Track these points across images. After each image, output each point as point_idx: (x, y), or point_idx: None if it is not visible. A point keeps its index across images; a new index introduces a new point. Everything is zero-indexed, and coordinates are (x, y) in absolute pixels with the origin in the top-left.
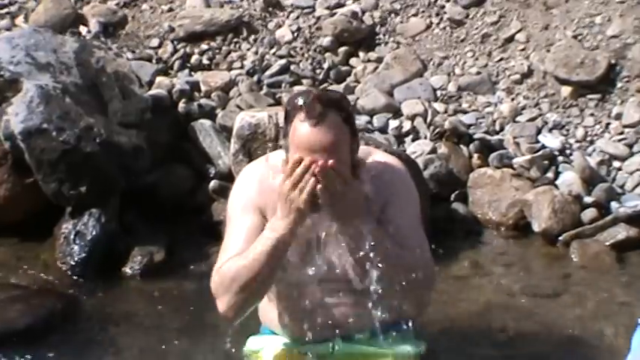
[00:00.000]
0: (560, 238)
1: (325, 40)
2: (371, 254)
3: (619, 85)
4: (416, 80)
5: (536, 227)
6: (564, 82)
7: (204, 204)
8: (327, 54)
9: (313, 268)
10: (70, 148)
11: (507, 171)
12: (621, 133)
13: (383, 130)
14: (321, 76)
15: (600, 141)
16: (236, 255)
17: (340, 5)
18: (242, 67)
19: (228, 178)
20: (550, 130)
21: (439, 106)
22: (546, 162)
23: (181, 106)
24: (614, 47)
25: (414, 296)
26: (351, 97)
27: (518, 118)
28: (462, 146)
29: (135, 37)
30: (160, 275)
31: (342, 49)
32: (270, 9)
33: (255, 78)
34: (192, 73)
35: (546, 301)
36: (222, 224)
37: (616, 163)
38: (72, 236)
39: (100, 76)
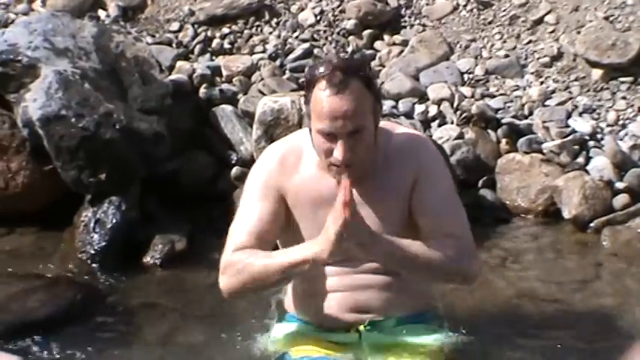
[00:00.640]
0: (591, 224)
1: (349, 23)
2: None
3: None
4: (442, 64)
5: (566, 214)
6: (595, 64)
7: (226, 191)
8: (351, 37)
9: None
10: (90, 135)
11: (536, 156)
12: None
13: (409, 115)
14: None
15: (632, 125)
16: (244, 246)
17: None
18: (264, 52)
19: (250, 164)
20: (580, 114)
21: (466, 91)
22: (577, 147)
23: (202, 91)
24: None
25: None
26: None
27: (547, 102)
28: (489, 131)
29: (154, 21)
30: (182, 264)
31: (366, 32)
32: None
33: (278, 62)
34: (214, 57)
35: (577, 289)
36: None
37: None
38: (92, 224)
39: (120, 61)
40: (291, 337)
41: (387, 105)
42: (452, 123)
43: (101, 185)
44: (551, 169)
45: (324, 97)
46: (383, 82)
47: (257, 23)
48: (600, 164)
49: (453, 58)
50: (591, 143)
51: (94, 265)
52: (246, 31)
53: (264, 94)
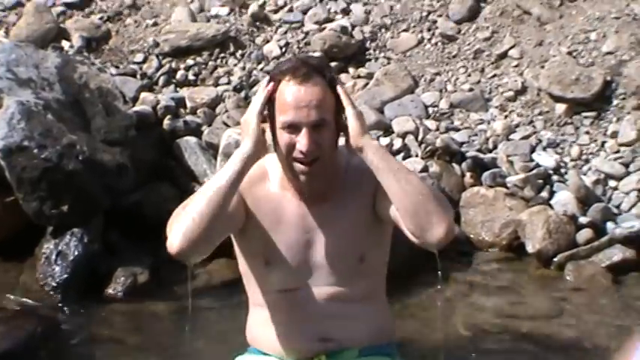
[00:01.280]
0: (554, 259)
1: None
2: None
3: (615, 102)
4: (407, 97)
5: (530, 248)
6: (559, 99)
7: None
8: None
9: (301, 273)
10: (52, 166)
11: (501, 190)
12: (617, 151)
13: None
14: None
15: (596, 160)
16: None
17: (329, 20)
18: (229, 83)
19: None
20: (544, 149)
21: (431, 124)
22: (541, 181)
23: (166, 122)
24: (609, 64)
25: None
26: None
27: (511, 136)
28: (454, 165)
29: (119, 52)
30: (144, 297)
31: (331, 65)
32: (258, 23)
33: (242, 94)
34: (178, 89)
35: (541, 324)
36: None
37: (612, 183)
38: (53, 257)
39: (83, 92)
40: None
41: None
42: (416, 156)
43: (63, 217)
44: (515, 203)
45: (288, 88)
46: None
47: (222, 55)
48: (564, 199)
49: (418, 91)
50: (555, 177)
51: (55, 297)
52: (210, 63)
53: (228, 126)
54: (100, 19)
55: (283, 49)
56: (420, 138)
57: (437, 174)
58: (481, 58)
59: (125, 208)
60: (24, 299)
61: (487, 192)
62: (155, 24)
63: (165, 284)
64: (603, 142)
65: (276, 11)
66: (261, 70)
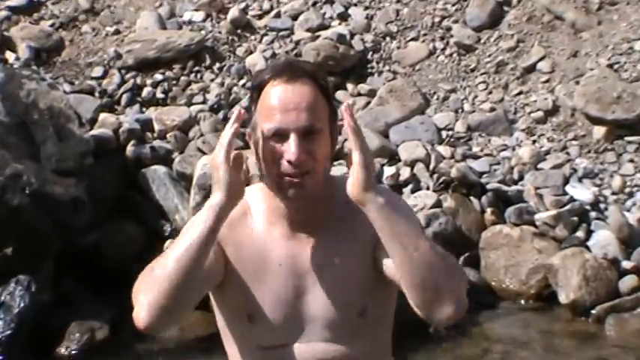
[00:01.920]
0: (592, 311)
1: None
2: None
3: None
4: (416, 118)
5: (563, 298)
6: (597, 121)
7: None
8: None
9: (290, 328)
10: None
11: (528, 229)
12: None
13: (376, 178)
14: None
15: None
16: None
17: (324, 27)
18: (204, 102)
19: None
20: (580, 180)
21: (444, 150)
22: (575, 218)
23: (130, 149)
24: None
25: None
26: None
27: (540, 165)
28: (472, 199)
29: (73, 65)
30: (103, 356)
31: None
32: (239, 31)
33: (221, 115)
34: (144, 108)
35: None
36: None
37: None
38: None
39: (31, 113)
40: None
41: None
42: (427, 189)
43: (7, 261)
44: (545, 244)
45: (273, 89)
46: (345, 140)
47: (196, 68)
48: (603, 239)
49: (429, 111)
50: (593, 214)
51: None
52: (183, 78)
53: (204, 153)
54: (52, 25)
55: (269, 62)
56: (431, 167)
57: (452, 210)
58: (504, 71)
59: (81, 250)
60: None
61: (512, 231)
62: (117, 32)
63: (127, 341)
64: None
65: (260, 17)
66: (243, 86)
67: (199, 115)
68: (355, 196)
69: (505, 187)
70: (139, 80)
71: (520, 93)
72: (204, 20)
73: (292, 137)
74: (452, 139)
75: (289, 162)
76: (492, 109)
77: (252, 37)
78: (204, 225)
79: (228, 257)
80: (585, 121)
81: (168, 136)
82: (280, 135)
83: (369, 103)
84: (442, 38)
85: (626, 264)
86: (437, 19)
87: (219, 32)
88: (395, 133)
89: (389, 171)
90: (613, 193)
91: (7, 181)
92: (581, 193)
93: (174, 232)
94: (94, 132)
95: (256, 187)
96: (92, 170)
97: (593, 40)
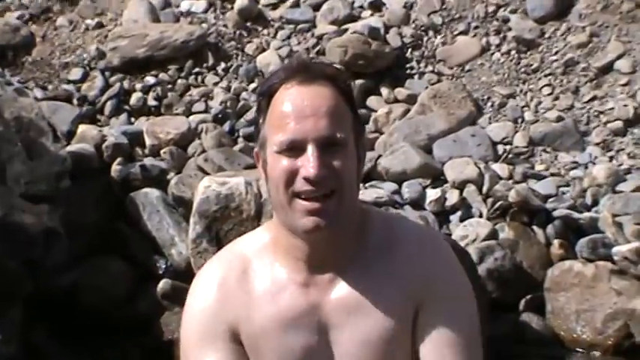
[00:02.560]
0: None
1: None
2: None
3: None
4: (466, 130)
5: None
6: None
7: (149, 316)
8: None
9: None
10: None
11: (604, 265)
12: None
13: (417, 203)
14: None
15: None
16: None
17: (353, 19)
18: (207, 111)
19: (185, 276)
20: None
21: (501, 169)
22: None
23: (116, 168)
24: None
25: None
26: (369, 155)
27: (619, 187)
28: (535, 228)
29: (46, 66)
30: None
31: (355, 84)
32: (249, 24)
33: (227, 126)
34: (133, 119)
35: None
36: (176, 347)
37: None
38: None
39: None
40: None
41: (385, 189)
42: (480, 216)
43: None
44: (626, 284)
45: (286, 94)
46: (379, 157)
47: (196, 70)
48: None
49: (482, 121)
50: None
51: None
52: (180, 82)
53: (206, 173)
54: (20, 18)
55: (285, 60)
56: (485, 189)
57: (510, 242)
58: (574, 72)
59: (56, 294)
60: None
61: (584, 268)
62: (99, 25)
63: None
64: None
65: (274, 6)
66: (254, 91)
67: (200, 126)
68: None
69: (576, 215)
70: (126, 84)
71: (594, 98)
72: (206, 11)
73: (310, 149)
74: (510, 156)
75: (306, 179)
76: (560, 119)
77: (265, 32)
78: None
79: (243, 340)
80: None
81: (162, 152)
82: (295, 148)
83: (408, 111)
84: (498, 32)
85: None
86: (491, 9)
87: (225, 25)
88: (440, 148)
89: (432, 194)
90: None
91: None
92: None
93: (170, 270)
94: (71, 147)
95: (260, 229)
96: (69, 195)
97: None
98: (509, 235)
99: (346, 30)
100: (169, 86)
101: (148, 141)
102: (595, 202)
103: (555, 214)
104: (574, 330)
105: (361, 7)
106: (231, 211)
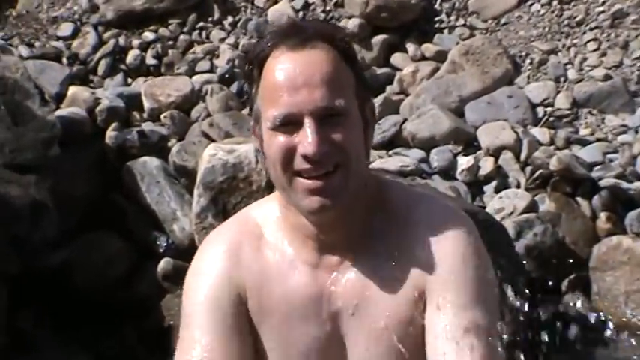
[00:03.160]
0: None
1: (350, 24)
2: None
3: None
4: (502, 90)
5: None
6: None
7: (148, 298)
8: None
9: None
10: None
11: None
12: None
13: (447, 172)
14: None
15: None
16: None
17: None
18: (212, 70)
19: (188, 254)
20: None
21: (541, 134)
22: None
23: (111, 134)
24: None
25: None
26: (394, 119)
27: None
28: (579, 199)
29: (33, 20)
30: None
31: (377, 39)
32: None
33: (234, 87)
34: (129, 79)
35: None
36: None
37: None
38: None
39: None
40: None
41: (411, 157)
42: (518, 186)
43: None
44: None
45: (277, 62)
46: (405, 120)
47: (200, 24)
48: None
49: (519, 80)
50: None
51: None
52: (182, 38)
53: (211, 140)
54: None
55: (301, 13)
56: (523, 157)
57: (551, 215)
58: (623, 25)
59: (45, 274)
60: None
61: (634, 244)
62: None
63: None
64: None
65: None
66: None
67: (205, 87)
68: None
69: (625, 184)
70: (122, 41)
71: None
72: None
73: (307, 123)
74: (551, 119)
75: (305, 157)
76: (607, 77)
77: None
78: None
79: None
80: None
81: (162, 116)
82: (290, 123)
83: (437, 69)
84: None
85: None
86: None
87: None
88: (473, 111)
89: (465, 162)
90: None
91: None
92: None
93: (171, 248)
94: (61, 112)
95: (271, 199)
96: (59, 164)
97: None
98: (549, 208)
99: None
100: (170, 43)
101: (146, 104)
102: None
103: (602, 183)
104: (623, 313)
105: None
106: (239, 182)
